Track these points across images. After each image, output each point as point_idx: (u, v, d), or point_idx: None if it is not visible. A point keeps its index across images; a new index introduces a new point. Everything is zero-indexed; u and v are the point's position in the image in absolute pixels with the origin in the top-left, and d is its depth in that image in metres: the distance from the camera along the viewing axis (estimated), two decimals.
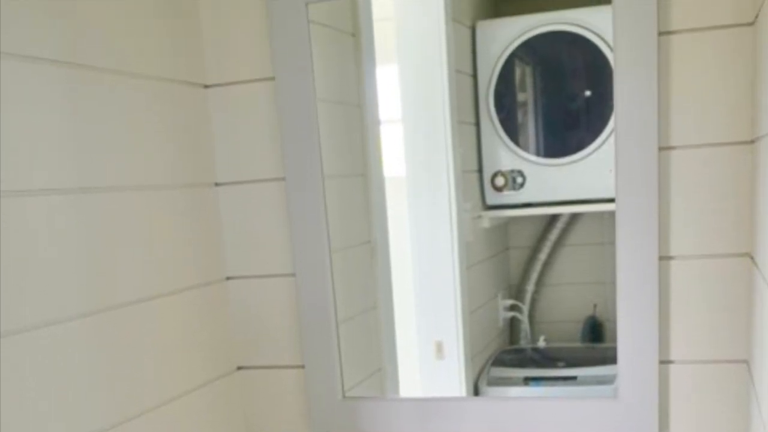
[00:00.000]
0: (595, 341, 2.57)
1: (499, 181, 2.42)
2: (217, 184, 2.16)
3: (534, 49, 2.38)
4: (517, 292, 2.65)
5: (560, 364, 2.53)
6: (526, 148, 2.40)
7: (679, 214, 1.88)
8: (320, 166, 2.06)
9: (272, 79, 2.07)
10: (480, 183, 2.45)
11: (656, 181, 1.85)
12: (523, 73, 2.45)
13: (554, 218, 2.56)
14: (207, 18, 2.11)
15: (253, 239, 2.17)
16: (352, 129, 2.35)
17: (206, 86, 2.12)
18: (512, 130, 2.41)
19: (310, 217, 2.08)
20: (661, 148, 1.85)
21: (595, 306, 2.54)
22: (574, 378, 2.42)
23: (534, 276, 2.63)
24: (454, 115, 2.41)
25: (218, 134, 2.14)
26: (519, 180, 2.41)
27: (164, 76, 1.96)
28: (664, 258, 1.90)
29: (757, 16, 1.70)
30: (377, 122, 2.39)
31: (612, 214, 1.90)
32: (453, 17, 2.38)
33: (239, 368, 2.25)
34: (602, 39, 2.20)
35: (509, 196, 2.43)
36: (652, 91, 1.81)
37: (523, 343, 2.66)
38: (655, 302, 1.91)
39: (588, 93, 2.38)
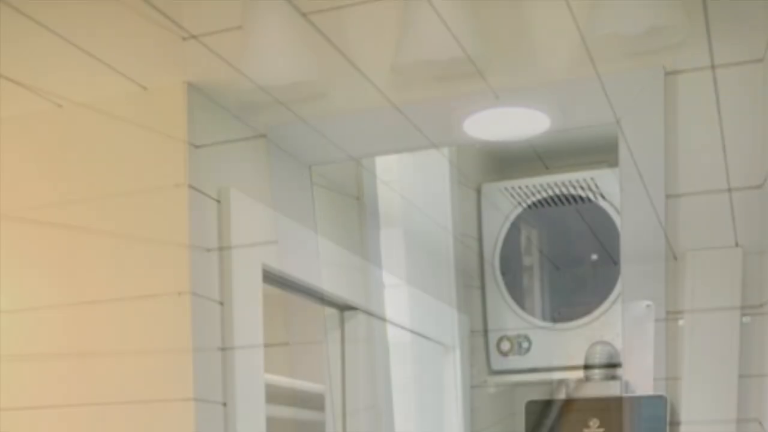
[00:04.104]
0: None
1: (505, 345, 2.40)
2: None
3: (540, 212, 2.38)
4: None
5: None
6: (532, 313, 2.39)
7: (688, 379, 1.86)
8: (324, 332, 2.05)
9: (274, 243, 2.07)
10: (485, 347, 2.44)
11: (664, 346, 1.83)
12: (528, 236, 2.45)
13: (561, 383, 2.53)
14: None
15: None
16: (356, 293, 2.33)
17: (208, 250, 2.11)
18: (518, 293, 2.40)
19: None
20: (668, 313, 1.83)
21: None
22: None
23: None
24: (459, 278, 2.40)
25: None
26: (525, 345, 2.39)
27: None
28: (674, 424, 1.87)
29: (766, 180, 1.70)
30: (382, 286, 2.37)
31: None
32: (458, 180, 2.39)
33: None
34: (608, 202, 2.21)
35: (515, 361, 2.41)
36: (660, 255, 1.80)
37: None
38: None
39: (594, 256, 2.38)
